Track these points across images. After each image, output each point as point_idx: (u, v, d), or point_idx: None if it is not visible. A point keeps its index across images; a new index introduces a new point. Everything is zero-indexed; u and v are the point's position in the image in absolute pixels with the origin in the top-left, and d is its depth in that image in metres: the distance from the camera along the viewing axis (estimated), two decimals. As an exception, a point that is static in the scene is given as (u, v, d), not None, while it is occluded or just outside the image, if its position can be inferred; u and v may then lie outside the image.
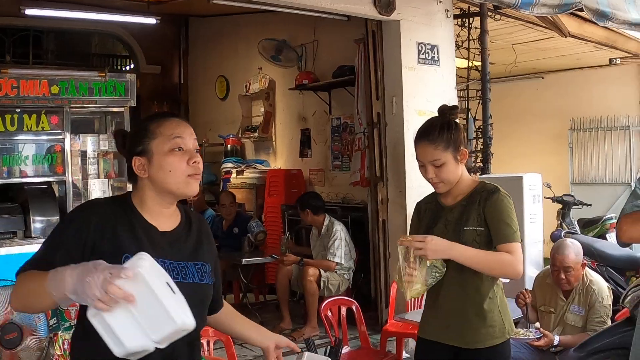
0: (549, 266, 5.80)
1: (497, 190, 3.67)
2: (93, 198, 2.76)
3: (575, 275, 5.58)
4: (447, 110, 3.78)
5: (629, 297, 4.86)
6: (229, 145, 12.43)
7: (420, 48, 8.02)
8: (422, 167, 3.68)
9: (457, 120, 3.77)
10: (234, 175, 11.85)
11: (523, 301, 5.67)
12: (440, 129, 3.64)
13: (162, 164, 2.61)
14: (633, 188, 3.48)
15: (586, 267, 5.74)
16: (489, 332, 3.66)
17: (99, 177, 7.46)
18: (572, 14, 7.19)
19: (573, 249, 5.59)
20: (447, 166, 3.62)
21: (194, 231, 2.80)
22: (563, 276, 5.58)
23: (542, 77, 13.81)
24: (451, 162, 3.63)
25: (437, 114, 3.83)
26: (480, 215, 3.62)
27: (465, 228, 3.62)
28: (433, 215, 3.81)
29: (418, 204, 4.02)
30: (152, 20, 11.73)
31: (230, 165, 12.02)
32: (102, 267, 2.14)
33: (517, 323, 6.00)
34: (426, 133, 3.67)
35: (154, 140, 2.63)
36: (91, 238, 2.49)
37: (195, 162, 2.64)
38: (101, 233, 2.51)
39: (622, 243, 3.59)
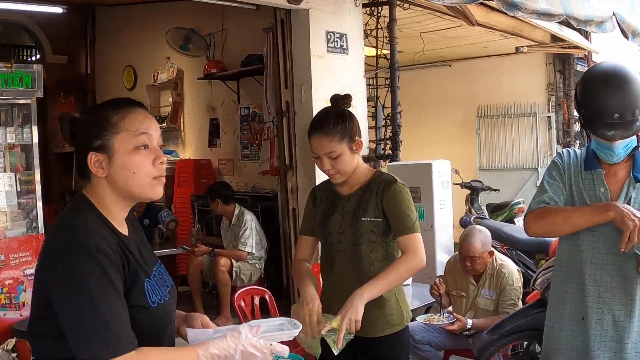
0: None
1: (395, 181, 3.66)
2: (75, 234, 2.17)
3: (481, 264, 5.65)
4: (340, 100, 3.73)
5: (539, 280, 4.92)
6: (137, 136, 12.21)
7: (329, 37, 7.99)
8: (318, 159, 3.64)
9: (350, 109, 3.73)
10: (142, 166, 11.64)
11: (437, 292, 5.71)
12: (335, 120, 3.59)
13: (126, 163, 2.29)
14: (540, 181, 3.55)
15: (496, 252, 5.81)
16: (388, 320, 3.68)
17: (5, 171, 7.20)
18: (480, 3, 7.25)
19: (480, 238, 5.64)
20: (342, 157, 3.59)
21: (137, 231, 2.52)
22: (469, 264, 5.65)
23: (450, 65, 13.96)
24: (347, 153, 3.60)
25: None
26: (378, 206, 3.62)
27: (362, 219, 3.62)
28: (329, 204, 3.79)
29: (313, 190, 4.00)
30: (58, 10, 11.38)
31: (139, 155, 11.81)
32: (239, 335, 2.19)
33: (430, 308, 6.06)
34: (320, 125, 3.62)
35: (116, 135, 2.29)
36: (120, 286, 2.19)
37: (162, 162, 2.36)
38: (120, 273, 2.21)
39: (530, 237, 3.68)
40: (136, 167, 2.30)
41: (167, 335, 2.39)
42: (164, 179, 2.37)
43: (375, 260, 3.66)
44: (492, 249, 5.83)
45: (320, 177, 7.89)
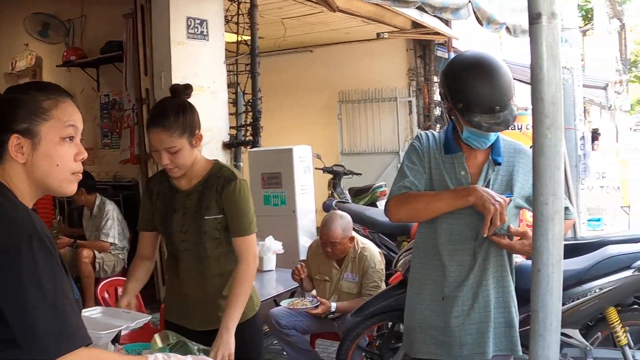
0: (320, 236, 5.91)
1: (234, 178, 3.60)
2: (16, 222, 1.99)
3: (342, 249, 5.71)
4: (181, 90, 3.61)
5: (400, 261, 5.02)
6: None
7: (189, 23, 7.90)
8: (156, 153, 3.52)
9: (190, 101, 3.62)
10: (-2, 157, 11.25)
11: (299, 277, 5.75)
12: (175, 114, 3.46)
13: (52, 154, 2.13)
14: (400, 165, 3.58)
15: (357, 235, 5.89)
16: None
17: None
18: (339, -12, 7.33)
19: (341, 224, 5.69)
20: (182, 152, 3.47)
21: None
22: (329, 249, 5.71)
23: (312, 51, 14.01)
24: (186, 148, 3.49)
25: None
26: (219, 202, 3.57)
27: (205, 217, 3.57)
28: (168, 201, 3.69)
29: (148, 183, 3.91)
30: None
31: (-6, 147, 11.40)
32: None
33: (294, 293, 6.10)
34: (160, 119, 3.46)
35: (46, 123, 2.13)
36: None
37: (82, 158, 2.21)
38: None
39: (393, 224, 3.74)
40: (60, 159, 2.15)
41: None
42: (80, 176, 2.23)
43: (221, 256, 3.63)
44: (354, 233, 5.90)
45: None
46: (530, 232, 2.78)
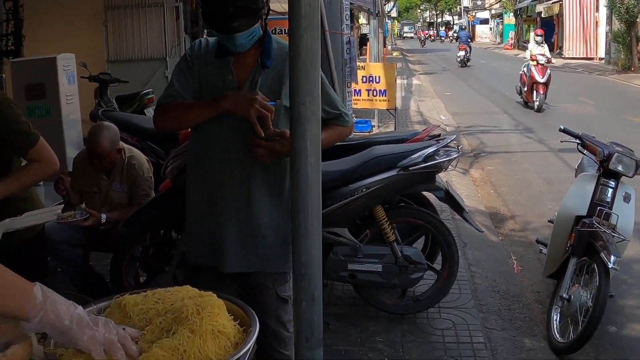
0: (87, 147, 5.71)
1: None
2: None
3: (109, 161, 5.53)
4: None
5: (169, 168, 4.94)
6: None
7: None
8: None
9: None
10: None
11: (63, 187, 5.53)
12: None
13: None
14: (170, 78, 3.53)
15: (125, 144, 5.73)
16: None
17: None
18: None
19: (109, 136, 5.44)
20: None
21: None
22: (97, 161, 5.52)
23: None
24: None
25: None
26: None
27: None
28: None
29: None
30: None
31: None
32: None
33: (65, 207, 5.88)
34: None
35: None
36: None
37: None
38: None
39: (160, 132, 3.69)
40: None
41: None
42: None
43: None
44: (122, 142, 5.73)
45: None
46: (288, 132, 2.81)
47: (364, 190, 5.37)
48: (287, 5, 2.53)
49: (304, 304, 2.58)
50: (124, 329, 1.84)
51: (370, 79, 13.97)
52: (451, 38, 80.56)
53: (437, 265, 5.88)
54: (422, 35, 79.73)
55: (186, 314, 1.91)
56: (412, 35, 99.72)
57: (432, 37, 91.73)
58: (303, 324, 2.60)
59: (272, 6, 4.29)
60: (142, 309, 2.00)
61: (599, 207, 5.62)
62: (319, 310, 2.61)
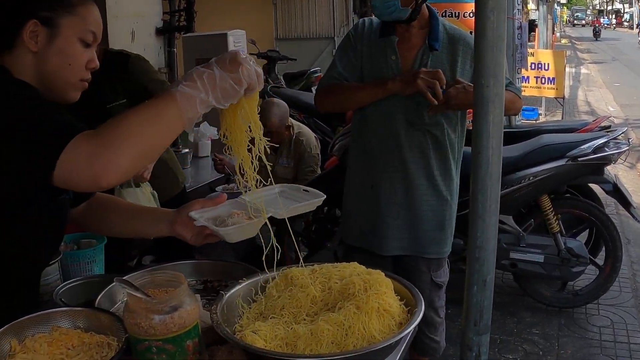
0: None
1: (128, 54, 3.68)
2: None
3: (278, 137, 5.60)
4: None
5: (336, 146, 4.99)
6: None
7: None
8: None
9: None
10: None
11: (221, 166, 5.63)
12: None
13: (67, 51, 1.95)
14: (333, 58, 3.53)
15: (293, 120, 5.81)
16: None
17: None
18: None
19: (278, 113, 5.53)
20: None
21: None
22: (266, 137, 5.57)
23: None
24: None
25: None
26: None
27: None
28: None
29: None
30: None
31: None
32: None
33: (229, 178, 6.03)
34: None
35: (70, 17, 1.95)
36: None
37: (94, 67, 2.03)
38: None
39: (322, 112, 3.72)
40: (73, 59, 1.97)
41: None
42: (86, 85, 2.05)
43: None
44: (291, 119, 5.82)
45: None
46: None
47: (531, 178, 5.26)
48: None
49: (475, 288, 2.56)
50: None
51: (539, 66, 13.59)
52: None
53: (600, 260, 5.70)
54: (597, 24, 70.09)
55: (353, 291, 1.92)
56: (584, 23, 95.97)
57: (614, 25, 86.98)
58: (473, 307, 2.58)
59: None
60: (308, 282, 2.03)
61: None
62: (490, 295, 2.59)
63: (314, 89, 9.04)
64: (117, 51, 3.67)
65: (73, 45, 1.97)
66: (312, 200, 2.17)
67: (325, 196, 2.16)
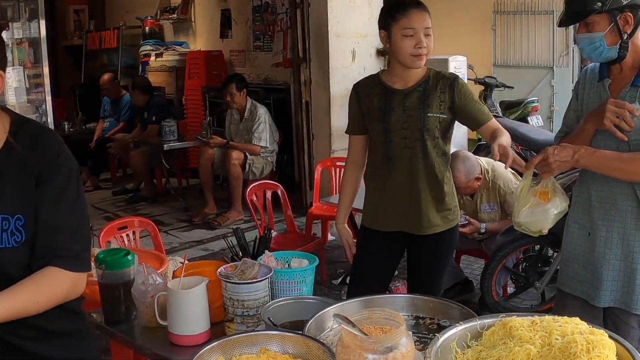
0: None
1: (457, 76, 3.72)
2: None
3: (469, 190, 5.51)
4: None
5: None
6: (147, 28, 12.07)
7: None
8: (411, 37, 3.58)
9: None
10: (153, 58, 11.60)
11: None
12: None
13: None
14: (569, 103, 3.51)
15: (482, 162, 5.57)
16: (446, 215, 3.82)
17: (13, 66, 7.07)
18: None
19: (463, 170, 5.35)
20: (432, 36, 3.62)
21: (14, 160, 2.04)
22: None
23: (468, -40, 13.57)
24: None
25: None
26: (445, 102, 3.65)
27: (429, 114, 3.63)
28: (384, 100, 3.74)
29: (356, 87, 3.93)
30: None
31: (148, 48, 11.73)
32: None
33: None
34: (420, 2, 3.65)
35: None
36: None
37: None
38: None
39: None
40: None
41: None
42: None
43: (437, 157, 3.73)
44: (483, 160, 5.62)
45: (334, 70, 7.90)
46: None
47: None
48: None
49: None
50: None
51: None
52: None
53: None
54: None
55: (575, 350, 1.84)
56: None
57: None
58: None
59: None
60: (527, 336, 1.96)
61: None
62: None
63: (529, 119, 8.88)
64: (442, 71, 3.86)
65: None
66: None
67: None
